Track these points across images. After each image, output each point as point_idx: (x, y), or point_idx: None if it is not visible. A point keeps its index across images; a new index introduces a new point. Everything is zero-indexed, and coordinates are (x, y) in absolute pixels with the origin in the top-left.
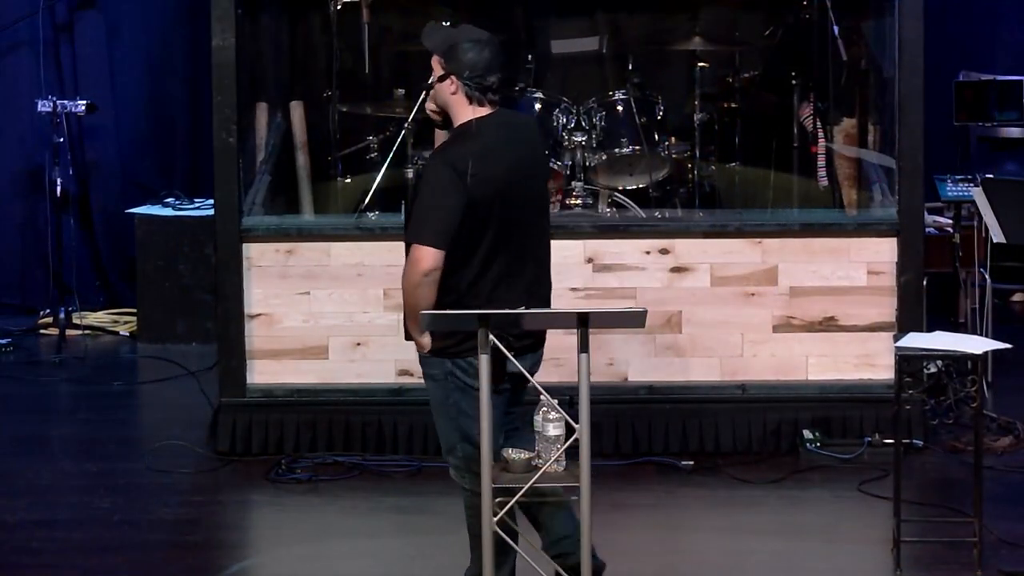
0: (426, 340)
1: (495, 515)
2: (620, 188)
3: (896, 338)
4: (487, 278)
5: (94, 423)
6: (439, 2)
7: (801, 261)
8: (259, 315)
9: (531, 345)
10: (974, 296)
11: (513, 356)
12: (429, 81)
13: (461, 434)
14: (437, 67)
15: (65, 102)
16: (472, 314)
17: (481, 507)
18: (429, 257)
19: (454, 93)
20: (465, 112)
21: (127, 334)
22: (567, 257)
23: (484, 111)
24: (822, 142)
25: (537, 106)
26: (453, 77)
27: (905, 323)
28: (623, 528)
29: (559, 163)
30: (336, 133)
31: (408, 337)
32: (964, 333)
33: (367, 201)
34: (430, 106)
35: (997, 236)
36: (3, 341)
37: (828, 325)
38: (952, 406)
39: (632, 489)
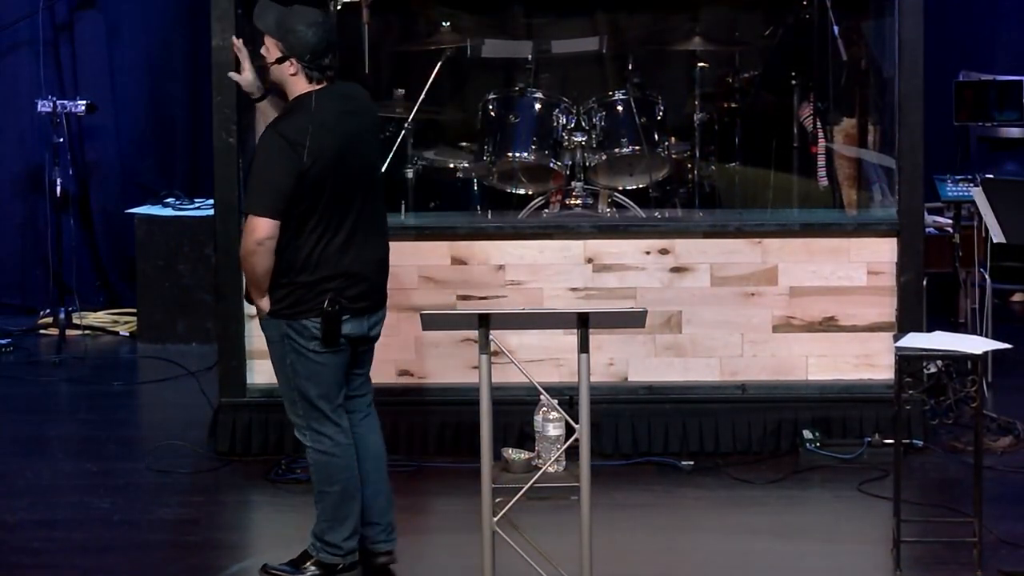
0: (265, 303)
1: (495, 515)
2: (620, 188)
3: (896, 338)
4: (329, 250)
5: (94, 423)
6: (439, 2)
7: (801, 261)
8: None
9: (370, 307)
10: (974, 296)
11: (350, 318)
12: (266, 62)
13: (299, 393)
14: (273, 48)
15: (65, 102)
16: (472, 313)
17: (330, 463)
18: (262, 227)
19: (294, 74)
20: (303, 89)
21: (127, 334)
22: (567, 257)
23: (320, 85)
24: (822, 142)
25: (537, 106)
26: (293, 60)
27: (905, 323)
28: (623, 528)
29: (559, 163)
30: None
31: (249, 300)
32: (964, 333)
33: None
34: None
35: (997, 236)
36: (3, 341)
37: (828, 325)
38: (952, 406)
39: (632, 489)
